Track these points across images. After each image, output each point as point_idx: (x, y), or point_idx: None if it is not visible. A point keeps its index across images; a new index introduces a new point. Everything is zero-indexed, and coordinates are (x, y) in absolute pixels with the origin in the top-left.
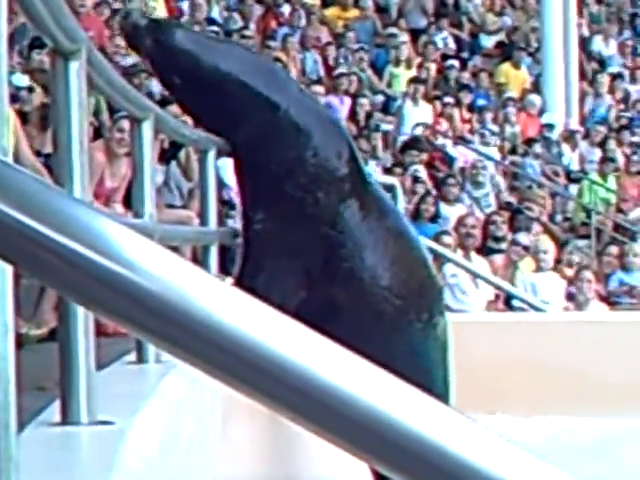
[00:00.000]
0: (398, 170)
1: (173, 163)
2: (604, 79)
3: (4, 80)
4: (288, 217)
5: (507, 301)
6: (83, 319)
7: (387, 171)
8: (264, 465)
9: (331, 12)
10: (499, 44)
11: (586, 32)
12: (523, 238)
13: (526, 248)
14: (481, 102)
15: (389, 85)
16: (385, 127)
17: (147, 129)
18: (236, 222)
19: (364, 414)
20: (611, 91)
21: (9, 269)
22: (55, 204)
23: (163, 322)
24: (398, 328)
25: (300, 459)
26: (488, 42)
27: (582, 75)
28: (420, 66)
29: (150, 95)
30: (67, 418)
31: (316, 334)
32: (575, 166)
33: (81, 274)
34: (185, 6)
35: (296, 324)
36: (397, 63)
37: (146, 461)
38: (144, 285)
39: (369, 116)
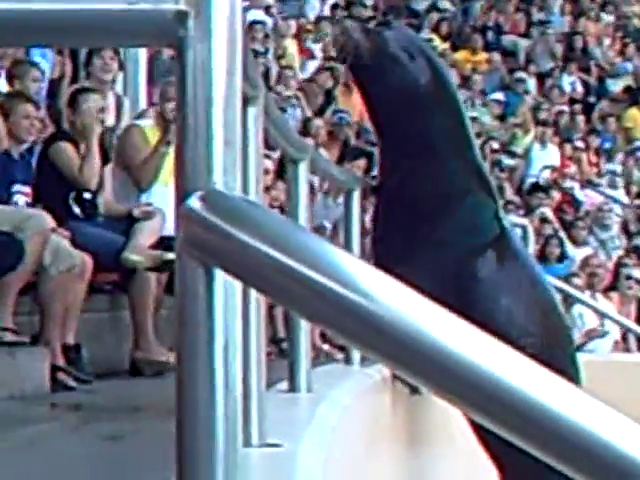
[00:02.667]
0: (523, 211)
1: None
2: None
3: (256, 156)
4: (428, 265)
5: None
6: (255, 344)
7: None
8: None
9: (460, 54)
10: (627, 88)
11: None
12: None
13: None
14: (608, 146)
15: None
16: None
17: (303, 169)
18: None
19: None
20: None
21: (238, 298)
22: (293, 236)
23: (388, 341)
24: None
25: None
26: (615, 86)
27: None
28: (548, 110)
29: None
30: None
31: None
32: None
33: (315, 297)
34: (316, 48)
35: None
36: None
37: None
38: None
39: (496, 158)
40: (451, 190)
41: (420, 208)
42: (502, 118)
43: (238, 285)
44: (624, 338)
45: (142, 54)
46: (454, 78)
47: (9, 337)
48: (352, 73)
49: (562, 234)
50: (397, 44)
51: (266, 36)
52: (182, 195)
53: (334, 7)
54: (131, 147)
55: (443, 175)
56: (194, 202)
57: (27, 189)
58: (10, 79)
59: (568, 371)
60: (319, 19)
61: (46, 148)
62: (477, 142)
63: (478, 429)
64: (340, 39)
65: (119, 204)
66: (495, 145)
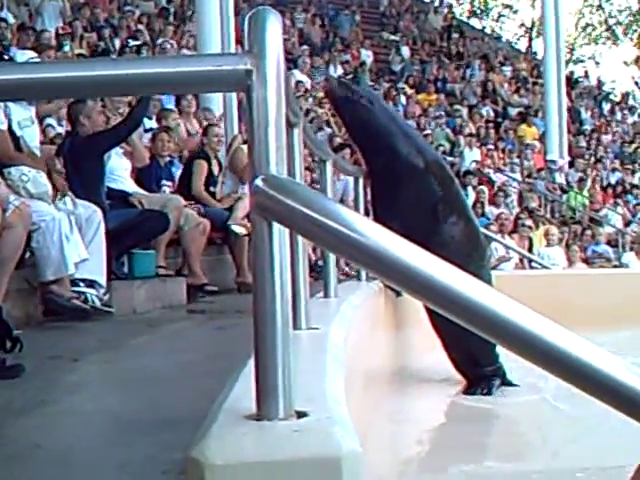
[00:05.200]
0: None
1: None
2: (584, 134)
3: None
4: (404, 216)
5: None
6: (302, 269)
7: None
8: (390, 352)
9: (421, 96)
10: (519, 113)
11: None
12: (528, 222)
13: (530, 228)
14: (509, 147)
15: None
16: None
17: (329, 165)
18: None
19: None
20: (589, 139)
21: (287, 241)
22: (323, 203)
23: (380, 264)
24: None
25: (409, 358)
26: (513, 112)
27: (569, 130)
28: (473, 126)
29: None
30: (294, 325)
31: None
32: (564, 183)
33: (336, 239)
34: None
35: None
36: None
37: (339, 349)
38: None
39: (444, 156)
40: (412, 172)
41: (396, 184)
42: (446, 132)
43: (287, 232)
44: (521, 261)
45: (234, 99)
46: (416, 110)
47: (162, 271)
48: (332, 105)
49: (483, 199)
50: (359, 91)
51: (306, 90)
52: (253, 178)
53: (345, 71)
54: (237, 159)
55: (404, 164)
56: (259, 182)
57: (169, 183)
58: (158, 119)
59: (485, 277)
60: (339, 77)
61: (190, 162)
62: (430, 145)
63: (429, 312)
64: (325, 86)
65: (229, 191)
66: (442, 148)
